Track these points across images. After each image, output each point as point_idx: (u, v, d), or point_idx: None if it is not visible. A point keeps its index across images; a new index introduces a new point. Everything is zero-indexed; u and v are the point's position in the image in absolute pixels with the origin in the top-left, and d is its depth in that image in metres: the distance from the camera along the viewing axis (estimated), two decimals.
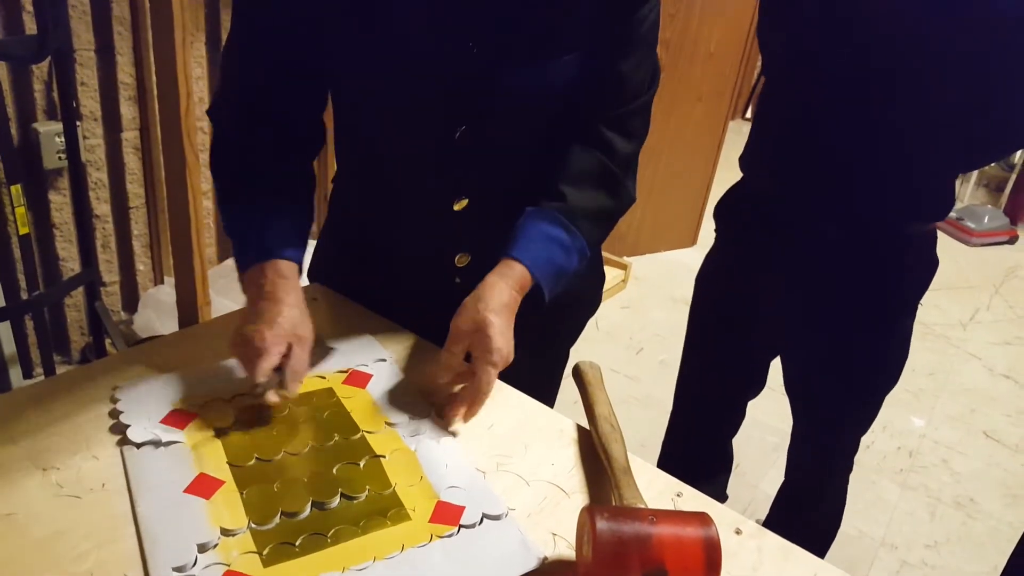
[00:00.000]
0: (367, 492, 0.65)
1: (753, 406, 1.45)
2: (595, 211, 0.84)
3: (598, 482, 0.70)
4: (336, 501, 0.64)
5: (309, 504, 0.63)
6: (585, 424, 0.76)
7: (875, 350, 1.19)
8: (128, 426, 0.69)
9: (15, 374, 1.69)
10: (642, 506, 0.62)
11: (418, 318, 0.90)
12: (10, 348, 1.66)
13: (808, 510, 1.42)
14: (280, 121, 0.83)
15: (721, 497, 1.58)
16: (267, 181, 0.83)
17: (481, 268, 0.81)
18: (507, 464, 0.71)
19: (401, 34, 0.76)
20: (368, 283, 0.95)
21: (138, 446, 0.67)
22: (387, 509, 0.64)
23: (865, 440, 1.34)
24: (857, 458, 1.36)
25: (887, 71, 0.98)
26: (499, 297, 0.75)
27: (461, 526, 0.63)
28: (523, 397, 0.81)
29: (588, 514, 0.57)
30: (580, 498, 0.68)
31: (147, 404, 0.73)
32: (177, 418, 0.71)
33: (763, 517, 1.55)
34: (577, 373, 0.81)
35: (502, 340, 0.73)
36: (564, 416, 0.79)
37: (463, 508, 0.64)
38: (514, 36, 0.77)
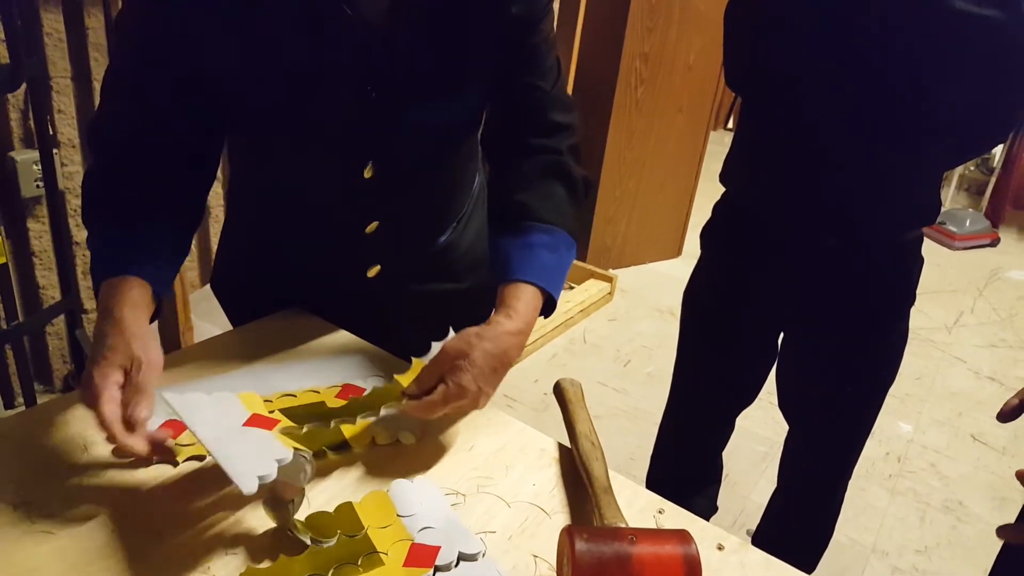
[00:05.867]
0: (337, 536, 0.63)
1: (740, 416, 1.46)
2: (557, 202, 0.84)
3: (580, 502, 0.69)
4: (306, 545, 0.62)
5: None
6: (567, 442, 0.76)
7: (873, 355, 1.19)
8: None
9: None
10: (623, 525, 0.61)
11: (330, 320, 0.94)
12: None
13: (802, 520, 1.42)
14: (171, 151, 0.78)
15: (712, 509, 1.58)
16: (148, 206, 0.76)
17: (393, 275, 0.86)
18: (488, 486, 0.70)
19: (300, 79, 0.75)
20: (276, 292, 0.97)
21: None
22: (358, 554, 0.62)
23: None
24: None
25: (870, 79, 0.99)
26: (496, 341, 0.72)
27: (436, 568, 0.61)
28: (505, 417, 0.81)
29: (568, 535, 0.57)
30: (561, 518, 0.68)
31: None
32: (171, 427, 0.73)
33: (754, 527, 1.55)
34: (558, 391, 0.81)
35: (469, 379, 0.69)
36: (545, 435, 0.79)
37: (438, 548, 0.62)
38: (414, 79, 0.77)
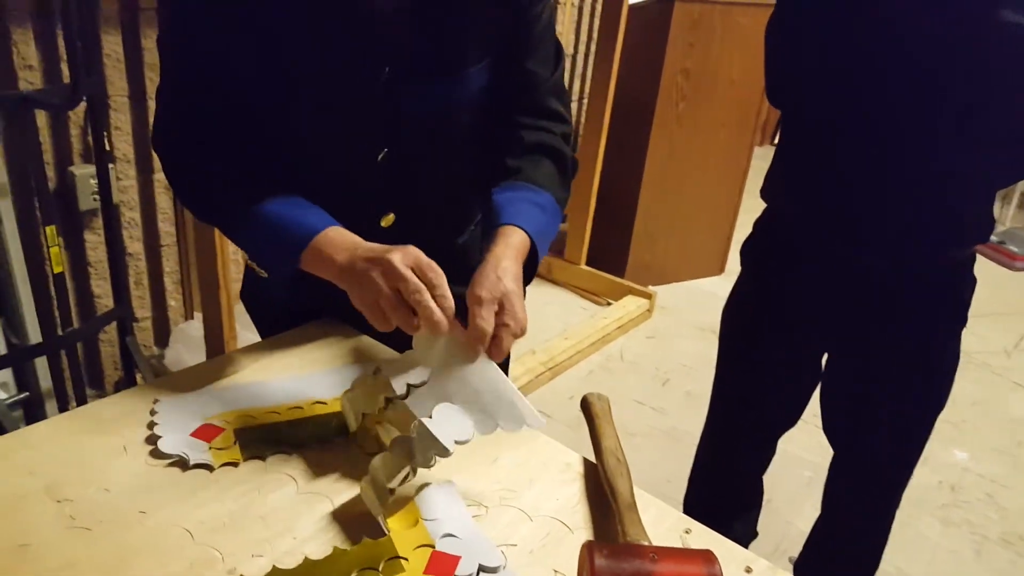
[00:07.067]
0: (362, 537, 0.64)
1: (785, 438, 1.42)
2: (546, 171, 0.86)
3: (603, 518, 0.68)
4: (327, 547, 0.63)
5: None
6: (593, 458, 0.75)
7: (921, 378, 1.15)
8: (160, 437, 0.73)
9: (51, 408, 1.74)
10: (645, 543, 0.60)
11: (351, 323, 0.95)
12: (46, 383, 1.71)
13: (846, 549, 1.37)
14: (235, 150, 0.83)
15: (751, 534, 1.54)
16: (261, 184, 0.81)
17: None
18: (511, 499, 0.70)
19: (312, 67, 0.78)
20: (299, 299, 0.97)
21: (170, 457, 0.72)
22: (380, 558, 0.62)
23: None
24: None
25: (911, 93, 0.97)
26: (513, 269, 0.75)
27: None
28: (530, 431, 0.80)
29: (587, 551, 0.56)
30: (584, 534, 0.67)
31: (181, 416, 0.77)
32: (207, 431, 0.75)
33: (796, 554, 1.50)
34: (585, 405, 0.80)
35: (521, 311, 0.73)
36: (571, 450, 0.78)
37: (459, 558, 0.62)
38: (423, 57, 0.79)
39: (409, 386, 0.69)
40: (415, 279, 0.68)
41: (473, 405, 0.68)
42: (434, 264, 0.70)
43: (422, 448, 0.64)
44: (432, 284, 0.69)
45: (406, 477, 0.65)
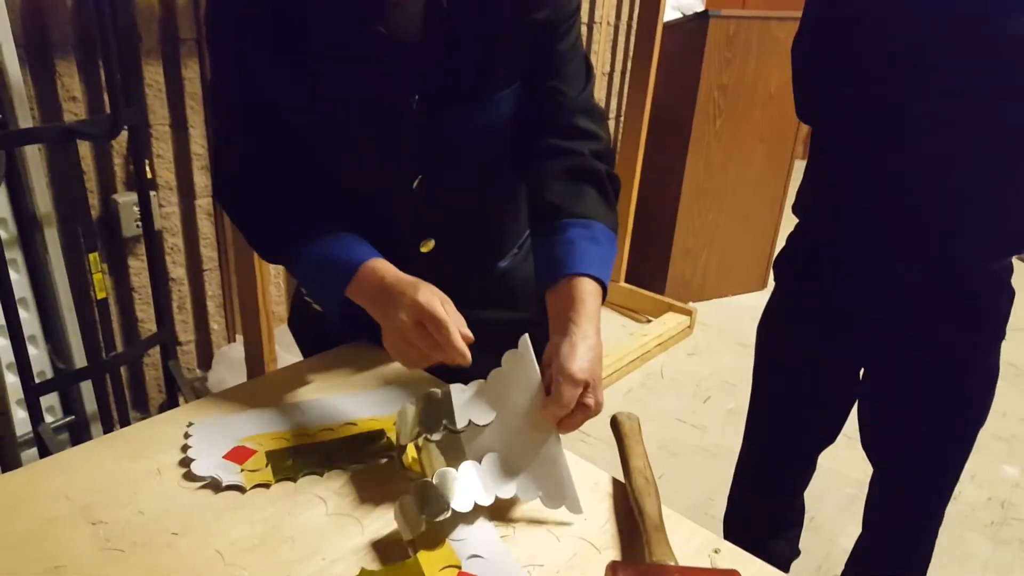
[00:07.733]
0: (389, 559, 0.64)
1: (829, 455, 1.38)
2: (588, 198, 0.84)
3: (631, 538, 0.67)
4: (355, 568, 0.63)
5: None
6: (622, 477, 0.74)
7: (959, 392, 1.11)
8: (193, 460, 0.74)
9: (96, 431, 1.78)
10: (672, 564, 0.59)
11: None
12: (92, 407, 1.75)
13: (888, 567, 1.32)
14: (291, 190, 0.87)
15: (793, 553, 1.50)
16: (311, 222, 0.84)
17: (454, 300, 0.86)
18: (538, 518, 0.69)
19: (343, 94, 0.79)
20: (343, 326, 0.95)
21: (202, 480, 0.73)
22: None
23: None
24: None
25: (953, 100, 0.94)
26: (599, 348, 0.74)
27: None
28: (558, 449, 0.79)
29: (611, 571, 0.55)
30: (611, 555, 0.66)
31: (214, 438, 0.78)
32: (239, 454, 0.76)
33: (839, 574, 1.45)
34: (614, 424, 0.79)
35: (601, 395, 0.73)
36: (600, 469, 0.77)
37: None
38: (449, 90, 0.80)
39: (471, 422, 0.70)
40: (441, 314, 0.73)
41: (524, 469, 0.69)
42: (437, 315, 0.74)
43: (464, 490, 0.65)
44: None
45: (443, 513, 0.65)
